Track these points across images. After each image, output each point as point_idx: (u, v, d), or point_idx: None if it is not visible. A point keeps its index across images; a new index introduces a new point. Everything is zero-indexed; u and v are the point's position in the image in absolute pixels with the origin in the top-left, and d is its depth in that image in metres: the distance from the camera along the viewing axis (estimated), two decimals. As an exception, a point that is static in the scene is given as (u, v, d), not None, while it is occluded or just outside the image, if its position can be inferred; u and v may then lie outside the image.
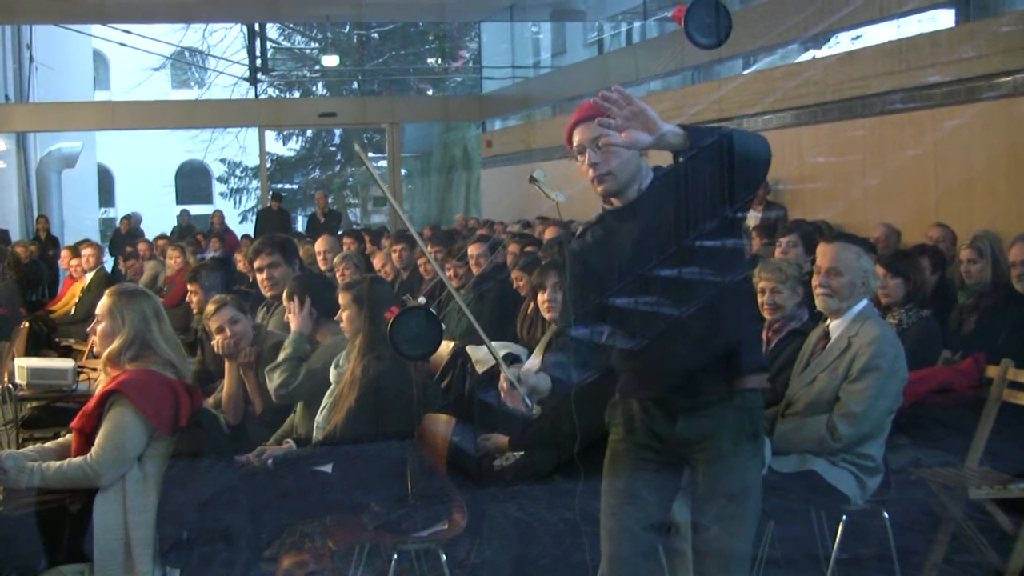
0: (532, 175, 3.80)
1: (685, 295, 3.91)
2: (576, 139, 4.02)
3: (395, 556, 5.51)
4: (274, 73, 32.97)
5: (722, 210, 3.89)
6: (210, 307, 6.53)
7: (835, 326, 5.51)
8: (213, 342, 6.45)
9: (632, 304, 3.99)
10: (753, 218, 12.00)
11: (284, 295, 6.59)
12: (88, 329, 5.31)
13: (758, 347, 4.28)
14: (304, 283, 6.62)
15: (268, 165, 29.82)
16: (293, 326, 6.37)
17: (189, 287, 8.46)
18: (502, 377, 3.74)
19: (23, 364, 7.85)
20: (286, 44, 36.50)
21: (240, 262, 11.84)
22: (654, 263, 3.93)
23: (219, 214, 22.82)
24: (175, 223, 24.40)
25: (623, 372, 4.18)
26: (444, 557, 5.43)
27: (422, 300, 3.59)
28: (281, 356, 6.18)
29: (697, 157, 3.74)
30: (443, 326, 3.61)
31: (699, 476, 4.05)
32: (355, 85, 34.05)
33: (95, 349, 5.25)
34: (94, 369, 7.30)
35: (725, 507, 4.00)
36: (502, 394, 3.79)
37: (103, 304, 5.16)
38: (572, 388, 4.07)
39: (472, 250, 9.06)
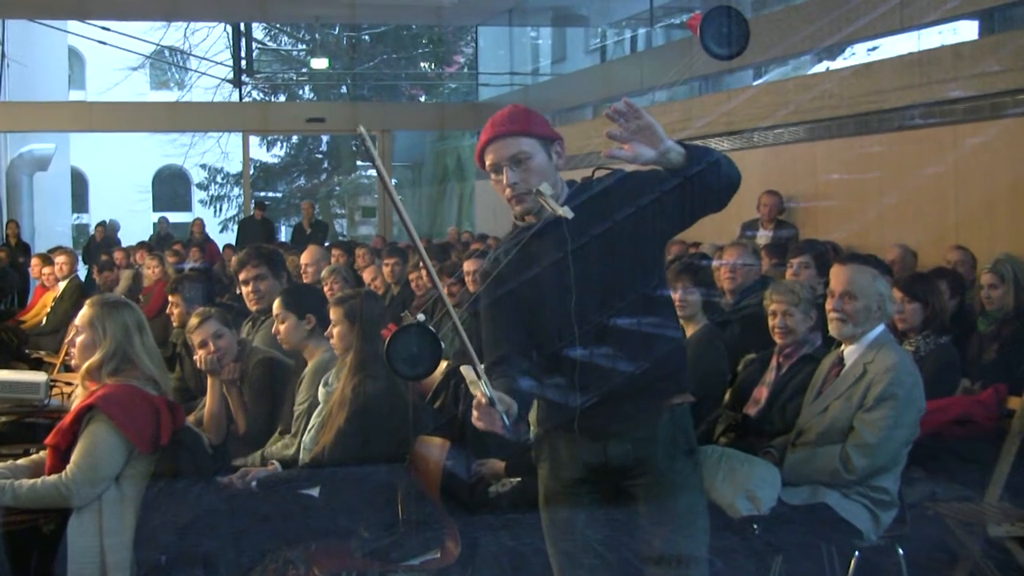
0: (538, 188, 3.81)
1: (609, 312, 3.94)
2: (490, 159, 4.03)
3: (383, 585, 5.53)
4: (259, 75, 32.96)
5: (675, 229, 4.05)
6: (193, 320, 6.53)
7: (849, 352, 5.53)
8: (195, 357, 6.46)
9: (552, 323, 4.00)
10: (763, 237, 12.03)
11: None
12: (66, 341, 5.34)
13: (683, 362, 4.28)
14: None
15: (251, 172, 29.83)
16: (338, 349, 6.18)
17: (169, 298, 8.42)
18: (479, 393, 3.63)
19: (-8, 376, 7.83)
20: (272, 45, 36.55)
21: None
22: (579, 282, 3.96)
23: (199, 222, 22.83)
24: (152, 231, 24.39)
25: (543, 401, 4.18)
26: (435, 587, 5.45)
27: (421, 317, 3.58)
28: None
29: (688, 177, 3.81)
30: (442, 345, 3.62)
31: (639, 506, 4.06)
32: (344, 89, 34.03)
33: (73, 362, 5.26)
34: (67, 383, 7.29)
35: (672, 534, 4.01)
36: (476, 413, 3.67)
37: (83, 315, 5.17)
38: (575, 415, 4.06)
39: (468, 266, 9.07)
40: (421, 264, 9.79)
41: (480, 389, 3.62)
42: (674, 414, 4.05)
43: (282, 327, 6.40)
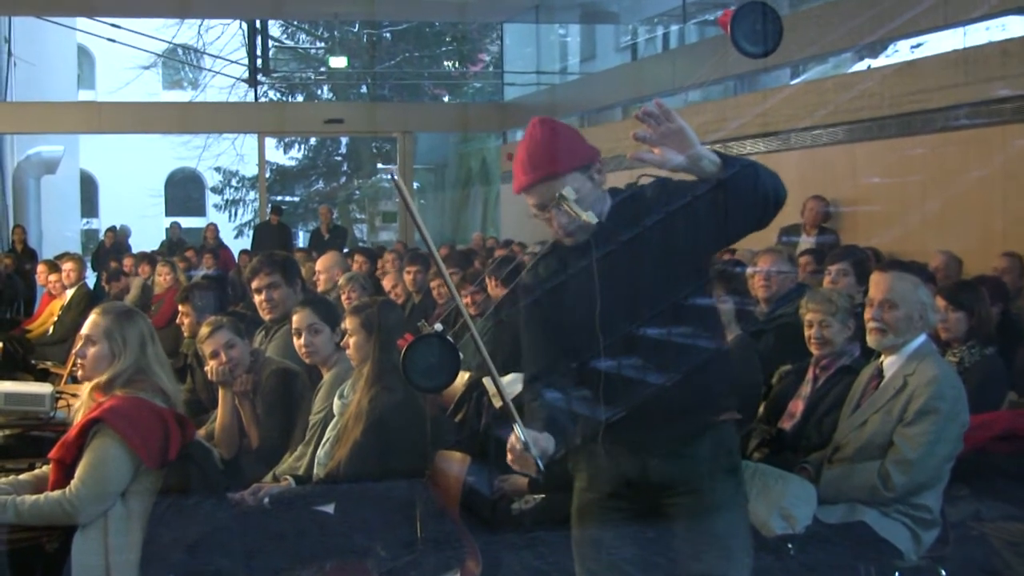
0: (561, 193, 3.80)
1: (654, 326, 3.94)
2: (532, 200, 4.01)
3: (401, 606, 5.53)
4: (276, 75, 33.07)
5: (719, 244, 4.10)
6: (204, 329, 6.53)
7: (889, 364, 5.51)
8: (206, 368, 6.46)
9: (595, 336, 4.00)
10: (806, 243, 11.98)
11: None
12: (75, 351, 5.31)
13: (729, 374, 4.29)
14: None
15: (267, 175, 29.94)
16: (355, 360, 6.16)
17: (180, 308, 8.45)
18: (513, 437, 3.74)
19: (-4, 388, 7.87)
20: (289, 43, 36.62)
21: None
22: (623, 298, 3.97)
23: (213, 228, 22.89)
24: (164, 236, 24.47)
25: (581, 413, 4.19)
26: (455, 609, 5.45)
27: (439, 327, 3.58)
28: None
29: (720, 187, 3.76)
30: (461, 356, 3.61)
31: (678, 526, 4.06)
32: (364, 89, 34.10)
33: (81, 373, 5.24)
34: (74, 395, 7.31)
35: (711, 556, 4.01)
36: (510, 456, 3.79)
37: (97, 324, 5.17)
38: (600, 429, 4.07)
39: (492, 274, 9.06)
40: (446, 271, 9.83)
41: (515, 433, 3.70)
42: (718, 431, 4.07)
43: (316, 339, 6.37)
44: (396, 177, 3.47)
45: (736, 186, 3.74)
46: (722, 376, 4.17)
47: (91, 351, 5.15)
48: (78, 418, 5.13)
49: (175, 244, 22.65)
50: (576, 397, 4.08)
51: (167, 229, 25.14)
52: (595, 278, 4.00)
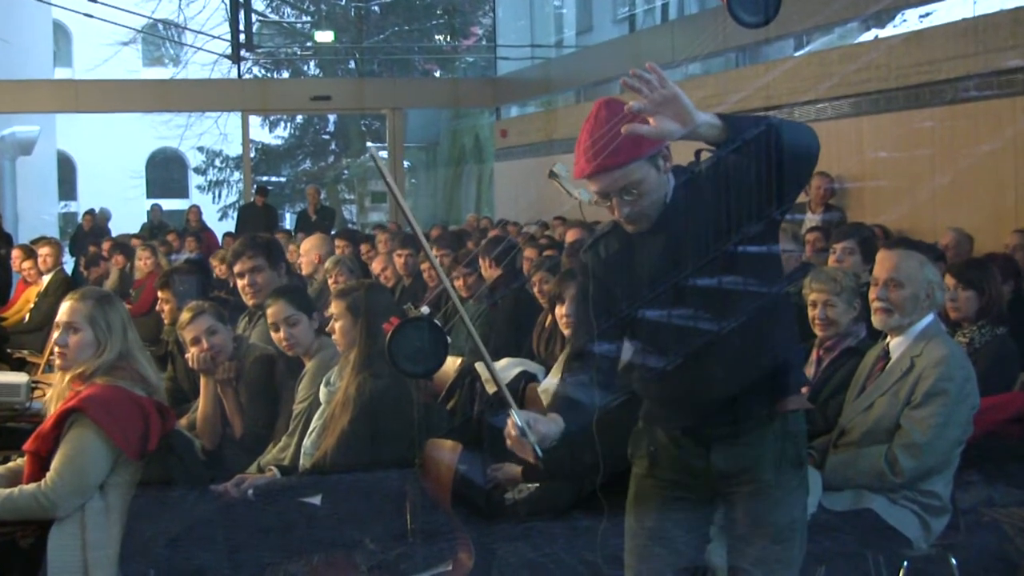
0: (552, 169, 3.81)
1: (723, 309, 3.92)
2: (596, 187, 3.94)
3: (392, 601, 5.53)
4: (260, 50, 33.02)
5: (767, 212, 3.87)
6: (185, 315, 6.51)
7: (896, 344, 5.50)
8: (187, 355, 6.45)
9: (662, 319, 4.00)
10: (812, 221, 11.97)
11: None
12: (55, 339, 5.26)
13: (799, 364, 4.30)
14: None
15: (252, 155, 29.89)
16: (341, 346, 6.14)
17: (160, 294, 8.45)
18: (510, 423, 3.74)
19: (-32, 378, 7.85)
20: (274, 17, 36.60)
21: (218, 266, 11.85)
22: (683, 280, 3.95)
23: (196, 210, 22.89)
24: (145, 219, 24.44)
25: (647, 397, 4.21)
26: (448, 602, 5.45)
27: (425, 310, 3.57)
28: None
29: (740, 152, 3.70)
30: (449, 340, 3.61)
31: (737, 513, 4.08)
32: (352, 65, 34.09)
33: (60, 363, 5.19)
34: (51, 384, 7.30)
35: (768, 548, 4.03)
36: (509, 441, 3.80)
37: (78, 310, 5.14)
38: (593, 414, 4.07)
39: (485, 255, 9.04)
40: (435, 252, 9.84)
41: (511, 418, 3.71)
42: (786, 421, 4.06)
43: (295, 330, 6.35)
44: (374, 150, 3.47)
45: (758, 149, 3.69)
46: (791, 360, 4.17)
47: (74, 338, 5.12)
48: (53, 409, 5.11)
49: (157, 227, 22.62)
50: (625, 377, 4.15)
51: (148, 212, 25.06)
52: (648, 260, 4.00)
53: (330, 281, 8.90)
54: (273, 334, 6.41)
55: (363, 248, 12.79)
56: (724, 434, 4.04)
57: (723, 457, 4.04)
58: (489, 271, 8.97)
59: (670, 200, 3.97)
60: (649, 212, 3.95)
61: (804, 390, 4.36)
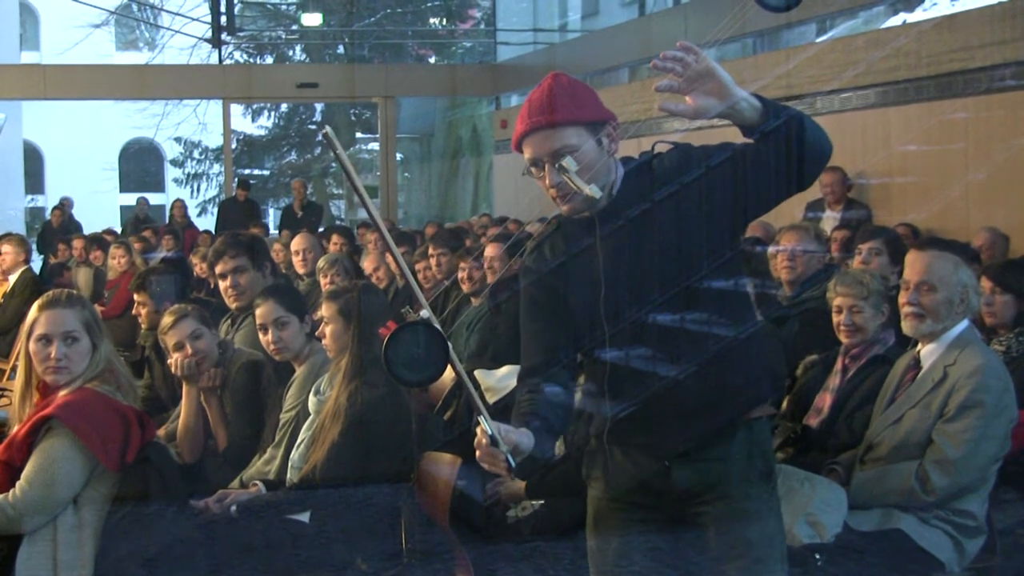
0: (561, 163, 3.77)
1: (685, 315, 3.90)
2: (528, 153, 3.90)
3: (385, 625, 5.54)
4: (242, 34, 33.02)
5: (770, 204, 3.88)
6: (167, 319, 6.48)
7: (928, 353, 5.51)
8: (169, 361, 6.43)
9: (618, 326, 3.96)
10: (831, 219, 11.98)
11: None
12: (54, 351, 5.14)
13: (772, 375, 4.26)
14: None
15: (233, 146, 29.89)
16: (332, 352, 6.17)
17: (136, 296, 8.41)
18: (479, 431, 3.65)
19: (-68, 384, 7.87)
20: (257, -2, 36.64)
21: (199, 264, 11.85)
22: (642, 281, 3.91)
23: (180, 204, 22.96)
24: (120, 214, 24.44)
25: (596, 412, 4.15)
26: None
27: (424, 313, 3.57)
28: None
29: (763, 140, 3.68)
30: (450, 346, 3.60)
31: (709, 534, 4.05)
32: (341, 50, 34.10)
33: (56, 377, 5.10)
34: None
35: (747, 569, 3.99)
36: (478, 452, 3.69)
37: (73, 317, 5.11)
38: (606, 425, 4.06)
39: (489, 252, 8.99)
40: (431, 252, 9.82)
41: (481, 425, 3.63)
42: (751, 431, 4.02)
43: (285, 333, 6.35)
44: (328, 129, 3.44)
45: (779, 139, 3.65)
46: (753, 363, 4.09)
47: (75, 348, 5.09)
48: (16, 418, 5.09)
49: (142, 222, 22.61)
50: (579, 392, 4.07)
51: (134, 205, 25.01)
52: (600, 259, 3.95)
53: (325, 281, 8.87)
54: (261, 336, 6.41)
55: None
56: (684, 448, 3.99)
57: (685, 475, 4.00)
58: (493, 252, 8.85)
59: (618, 189, 3.94)
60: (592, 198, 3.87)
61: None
